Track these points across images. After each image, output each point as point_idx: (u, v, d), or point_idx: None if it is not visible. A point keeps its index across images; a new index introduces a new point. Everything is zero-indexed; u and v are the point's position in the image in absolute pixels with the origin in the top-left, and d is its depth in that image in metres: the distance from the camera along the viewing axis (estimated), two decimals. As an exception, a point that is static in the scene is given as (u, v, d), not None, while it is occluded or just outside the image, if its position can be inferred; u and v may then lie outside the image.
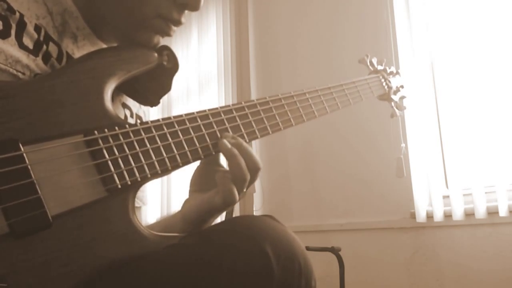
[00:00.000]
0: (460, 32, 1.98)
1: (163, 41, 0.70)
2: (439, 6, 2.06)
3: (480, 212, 1.79)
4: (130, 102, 0.76)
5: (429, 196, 1.95)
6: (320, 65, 2.38)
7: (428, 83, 2.05)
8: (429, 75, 2.08)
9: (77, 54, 0.66)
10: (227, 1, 2.82)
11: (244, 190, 0.63)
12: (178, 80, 2.88)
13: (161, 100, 0.72)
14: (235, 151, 0.62)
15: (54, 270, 0.48)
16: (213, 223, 0.68)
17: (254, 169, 0.62)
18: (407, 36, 2.09)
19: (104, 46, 0.71)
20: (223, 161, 0.69)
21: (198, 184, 0.70)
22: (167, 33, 0.67)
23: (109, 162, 0.54)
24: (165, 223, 0.71)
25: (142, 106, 0.80)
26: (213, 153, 0.64)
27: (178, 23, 0.67)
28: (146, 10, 0.64)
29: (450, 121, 1.94)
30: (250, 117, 0.69)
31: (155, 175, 0.58)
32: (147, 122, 0.59)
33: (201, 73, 2.81)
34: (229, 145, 0.62)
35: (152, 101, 0.71)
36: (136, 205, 0.77)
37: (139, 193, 0.78)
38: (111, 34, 0.70)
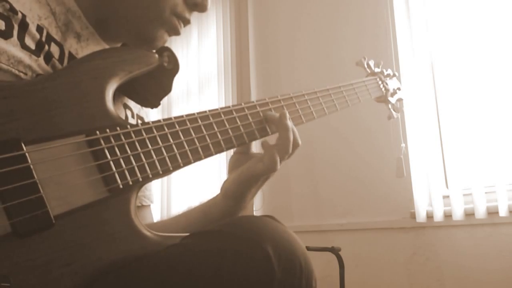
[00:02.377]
0: (460, 32, 1.98)
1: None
2: (439, 6, 2.06)
3: (480, 212, 1.79)
4: (132, 103, 0.76)
5: (429, 196, 1.95)
6: (320, 65, 2.39)
7: (428, 83, 2.05)
8: (429, 75, 2.07)
9: (81, 54, 0.66)
10: (227, 1, 2.82)
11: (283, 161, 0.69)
12: (178, 80, 2.86)
13: (161, 101, 0.73)
14: (291, 125, 0.69)
15: (56, 270, 0.49)
16: (250, 199, 0.73)
17: (296, 145, 0.71)
18: (407, 36, 2.09)
19: (107, 46, 0.72)
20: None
21: (235, 169, 0.73)
22: (177, 31, 0.70)
23: (111, 162, 0.54)
24: (204, 207, 0.74)
25: (144, 108, 0.81)
26: (214, 153, 0.64)
27: (188, 22, 0.70)
28: (163, 6, 0.66)
29: (450, 121, 1.94)
30: (250, 118, 0.70)
31: (156, 175, 0.58)
32: (148, 123, 0.59)
33: (201, 73, 2.82)
34: (288, 118, 0.69)
35: (153, 103, 0.72)
36: (144, 203, 0.78)
37: (146, 192, 0.79)
38: (121, 31, 0.70)
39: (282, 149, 0.67)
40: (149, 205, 0.81)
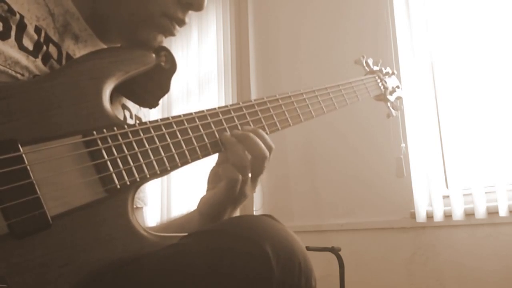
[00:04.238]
0: (460, 32, 1.98)
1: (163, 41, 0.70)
2: (439, 6, 2.06)
3: (480, 212, 1.78)
4: (130, 103, 0.76)
5: (429, 196, 1.95)
6: (320, 65, 2.39)
7: (428, 83, 2.05)
8: (429, 75, 2.07)
9: (78, 55, 0.66)
10: (227, 1, 2.82)
11: (250, 176, 0.65)
12: (178, 80, 2.88)
13: (160, 101, 0.72)
14: (233, 139, 0.64)
15: (54, 271, 0.49)
16: (229, 214, 0.70)
17: (257, 156, 0.65)
18: (407, 36, 2.09)
19: (105, 47, 0.72)
20: None
21: (213, 182, 0.72)
22: (171, 33, 0.68)
23: (108, 163, 0.54)
24: (182, 220, 0.73)
25: (142, 108, 0.81)
26: (211, 153, 0.64)
27: (182, 22, 0.68)
28: (151, 8, 0.64)
29: (450, 121, 1.94)
30: (248, 117, 0.70)
31: (154, 175, 0.58)
32: (145, 123, 0.59)
33: (201, 73, 2.82)
34: (228, 135, 0.65)
35: (151, 103, 0.72)
36: (138, 205, 0.78)
37: (140, 194, 0.78)
38: (115, 33, 0.70)
39: (236, 164, 0.63)
40: (142, 208, 0.81)
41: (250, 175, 0.66)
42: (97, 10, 0.67)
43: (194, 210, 0.72)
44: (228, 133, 0.65)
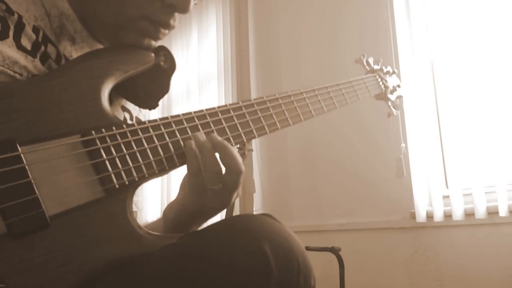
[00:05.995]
0: (460, 32, 1.98)
1: (163, 41, 0.69)
2: (439, 6, 2.06)
3: (480, 212, 1.78)
4: (130, 105, 0.76)
5: (429, 196, 1.95)
6: (320, 65, 2.39)
7: (428, 83, 2.05)
8: (429, 75, 2.07)
9: (75, 56, 0.66)
10: (227, 1, 2.82)
11: (221, 188, 0.62)
12: (178, 80, 2.88)
13: (160, 101, 0.72)
14: (196, 151, 0.60)
15: (52, 270, 0.48)
16: (196, 226, 0.68)
17: (211, 172, 0.60)
18: (407, 36, 2.09)
19: (103, 47, 0.71)
20: None
21: (184, 188, 0.71)
22: (154, 36, 0.65)
23: (107, 162, 0.54)
24: (149, 227, 0.72)
25: (142, 110, 0.80)
26: None
27: (167, 25, 0.64)
28: (129, 11, 0.61)
29: (450, 121, 1.94)
30: (247, 116, 0.70)
31: (152, 175, 0.58)
32: (144, 122, 0.59)
33: (201, 73, 2.82)
34: (193, 145, 0.60)
35: (151, 103, 0.71)
36: None
37: (134, 198, 0.78)
38: (103, 35, 0.69)
39: (192, 179, 0.61)
40: (135, 212, 0.80)
41: (221, 186, 0.62)
42: (86, 13, 0.66)
43: (161, 218, 0.70)
44: (192, 143, 0.60)
